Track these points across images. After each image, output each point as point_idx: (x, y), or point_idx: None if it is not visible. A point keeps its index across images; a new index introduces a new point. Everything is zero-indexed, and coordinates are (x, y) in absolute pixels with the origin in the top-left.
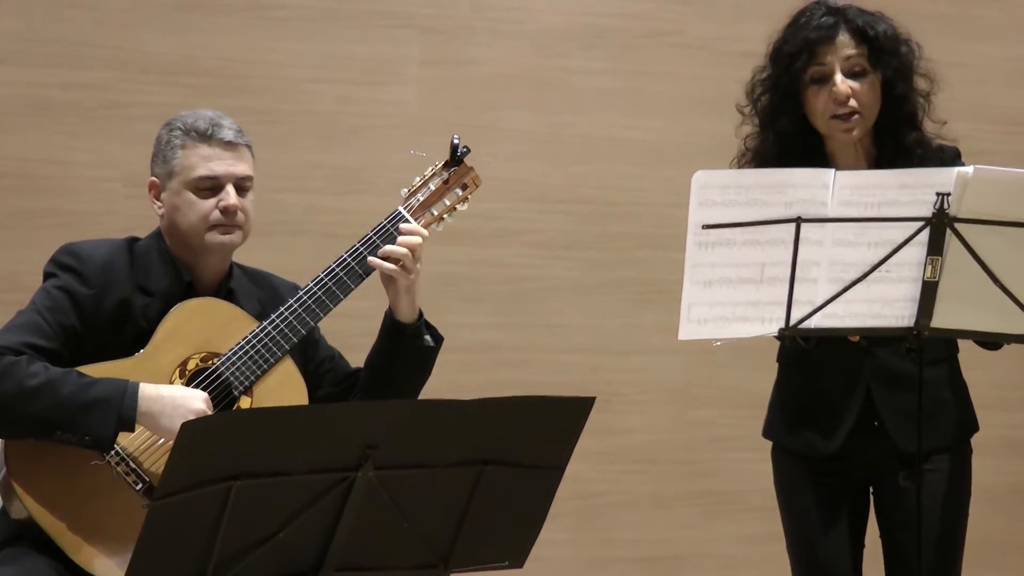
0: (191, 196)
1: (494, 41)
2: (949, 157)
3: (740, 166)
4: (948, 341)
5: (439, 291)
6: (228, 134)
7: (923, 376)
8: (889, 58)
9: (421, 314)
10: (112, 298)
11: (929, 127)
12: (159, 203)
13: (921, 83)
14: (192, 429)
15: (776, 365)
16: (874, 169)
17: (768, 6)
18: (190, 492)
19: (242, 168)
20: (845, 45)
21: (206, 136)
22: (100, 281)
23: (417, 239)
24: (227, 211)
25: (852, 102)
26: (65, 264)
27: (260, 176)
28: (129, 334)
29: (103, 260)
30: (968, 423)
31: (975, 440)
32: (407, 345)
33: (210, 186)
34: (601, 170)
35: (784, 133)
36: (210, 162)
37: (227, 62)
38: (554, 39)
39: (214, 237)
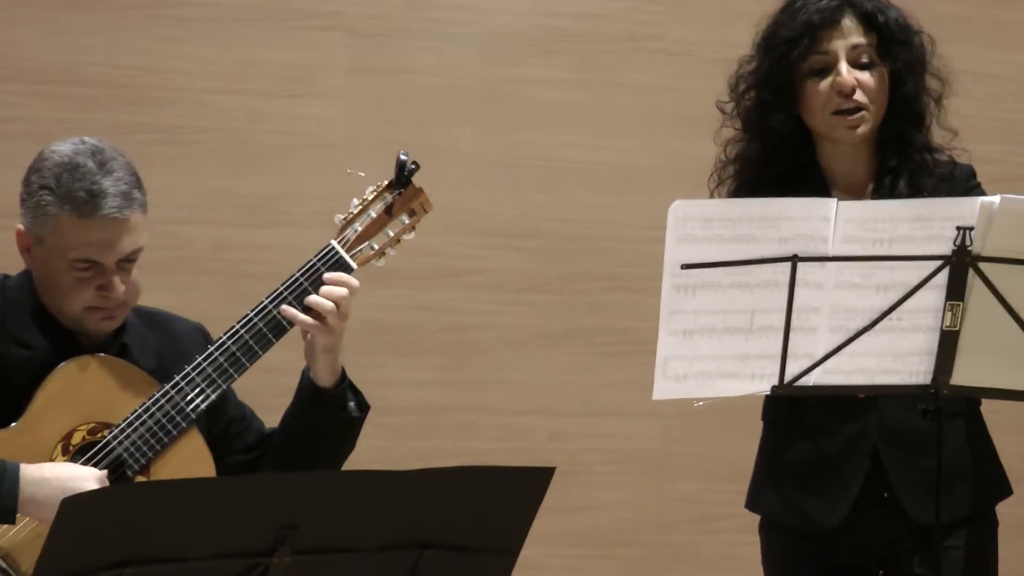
0: (66, 275)
1: (435, 46)
2: (963, 173)
3: (721, 181)
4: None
5: (369, 341)
6: (113, 207)
7: (943, 434)
8: (901, 49)
9: (344, 376)
10: None
11: (937, 136)
12: (29, 255)
13: (932, 83)
14: (73, 507)
15: (761, 424)
16: (876, 178)
17: (760, 5)
18: None
19: (129, 244)
20: (851, 31)
21: (84, 212)
22: None
23: (344, 291)
24: (109, 298)
25: (859, 95)
26: None
27: (159, 206)
28: (2, 395)
29: None
30: (994, 487)
31: (1008, 514)
32: (326, 413)
33: (88, 267)
34: (563, 199)
35: (774, 134)
36: (90, 245)
37: (117, 70)
38: (507, 44)
39: (92, 323)
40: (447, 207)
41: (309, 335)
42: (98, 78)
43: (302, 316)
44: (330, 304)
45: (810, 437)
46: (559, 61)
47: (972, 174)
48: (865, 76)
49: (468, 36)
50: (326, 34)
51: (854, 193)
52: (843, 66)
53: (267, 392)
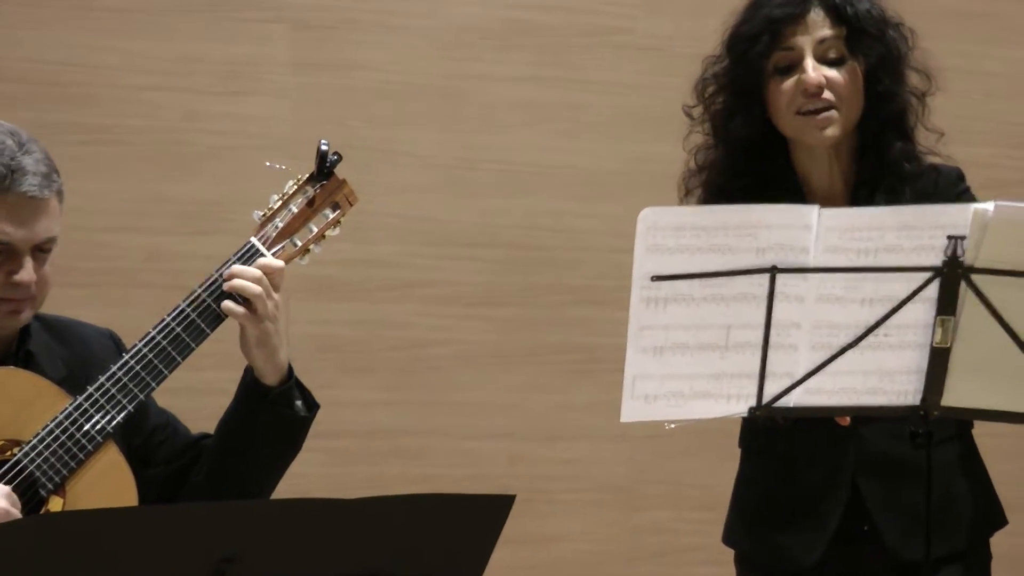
0: None
1: (386, 39)
2: (949, 180)
3: (688, 191)
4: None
5: (313, 359)
6: (32, 184)
7: (928, 461)
8: (872, 42)
9: (291, 373)
10: None
11: (923, 139)
12: None
13: (914, 79)
14: None
15: (738, 451)
16: (852, 190)
17: None
18: None
19: (45, 229)
20: (818, 25)
21: (2, 186)
22: None
23: (256, 271)
24: (19, 285)
25: (826, 94)
26: None
27: (88, 213)
28: None
29: None
30: (989, 517)
31: (1002, 545)
32: (270, 413)
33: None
34: (524, 205)
35: (739, 140)
36: (3, 223)
37: (41, 65)
38: (464, 37)
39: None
40: (399, 214)
41: (241, 330)
42: (20, 74)
43: (234, 306)
44: (254, 286)
45: (785, 467)
46: (520, 56)
47: (960, 177)
48: (833, 73)
49: (422, 29)
50: (269, 26)
51: (832, 203)
52: (808, 62)
53: (202, 416)
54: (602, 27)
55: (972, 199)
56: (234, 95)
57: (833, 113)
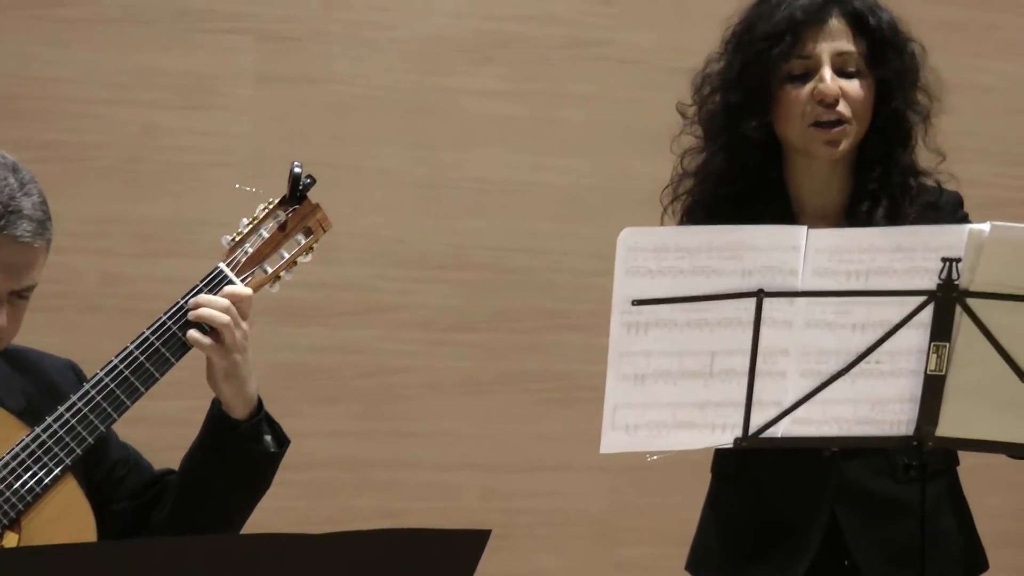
0: None
1: (355, 52)
2: (950, 205)
3: (676, 196)
4: (947, 449)
5: (278, 387)
6: (27, 231)
7: (910, 497)
8: (893, 58)
9: (261, 406)
10: None
11: (923, 158)
12: None
13: (921, 98)
14: None
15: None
16: (850, 204)
17: (722, 8)
18: None
19: (30, 277)
20: (838, 34)
21: None
22: None
23: (224, 301)
24: None
25: (842, 106)
26: None
27: None
28: None
29: None
30: (972, 560)
31: None
32: (239, 448)
33: None
34: (499, 225)
35: (744, 144)
36: None
37: None
38: (436, 50)
39: None
40: (367, 235)
41: (208, 362)
42: None
43: (200, 337)
44: (222, 316)
45: (761, 495)
46: (495, 70)
47: (959, 203)
48: (851, 85)
49: (392, 41)
50: (231, 38)
51: (824, 218)
52: (827, 72)
53: (163, 446)
54: (581, 39)
55: None
56: (195, 110)
57: (846, 128)
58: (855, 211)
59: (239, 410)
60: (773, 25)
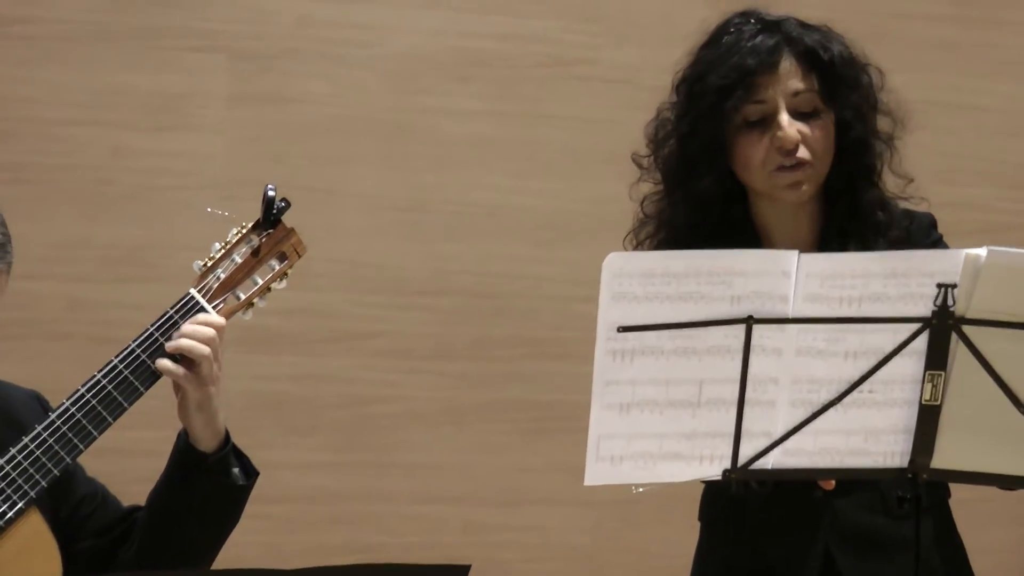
0: None
1: (330, 70)
2: (920, 227)
3: (639, 242)
4: (940, 482)
5: (250, 417)
6: None
7: (905, 533)
8: (847, 92)
9: (228, 438)
10: None
11: (891, 184)
12: None
13: (883, 124)
14: None
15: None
16: (820, 240)
17: (710, 24)
18: None
19: None
20: (790, 75)
21: None
22: None
23: (210, 331)
24: None
25: (801, 151)
26: None
27: None
28: None
29: None
30: None
31: None
32: (207, 482)
33: None
34: (478, 250)
35: (704, 195)
36: None
37: None
38: (413, 68)
39: None
40: (343, 259)
41: (180, 393)
42: None
43: (172, 366)
44: (202, 347)
45: (753, 540)
46: (474, 89)
47: (932, 225)
48: (807, 129)
49: (368, 59)
50: (202, 56)
51: None
52: (784, 118)
53: (130, 478)
54: (563, 57)
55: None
56: (164, 130)
57: (808, 171)
58: (825, 250)
59: (207, 442)
60: (723, 75)
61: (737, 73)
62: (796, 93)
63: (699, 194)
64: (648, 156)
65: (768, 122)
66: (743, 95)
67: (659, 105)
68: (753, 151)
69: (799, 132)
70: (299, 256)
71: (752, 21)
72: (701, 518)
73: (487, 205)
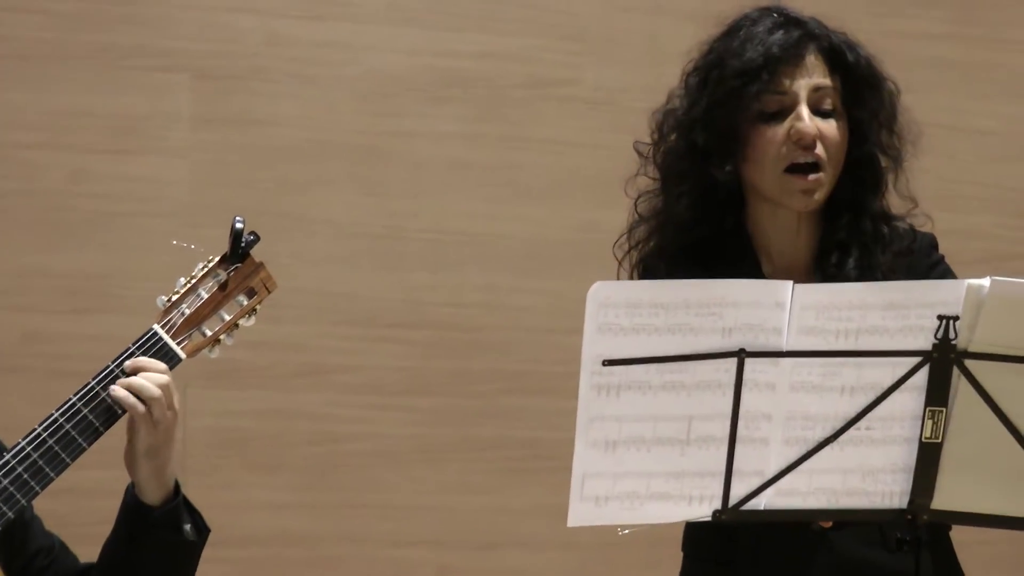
0: None
1: (300, 91)
2: (923, 247)
3: (632, 245)
4: None
5: (214, 455)
6: None
7: (905, 567)
8: (870, 96)
9: (178, 490)
10: None
11: (895, 205)
12: None
13: (895, 142)
14: None
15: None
16: (819, 253)
17: (694, 45)
18: None
19: None
20: (815, 69)
21: None
22: None
23: (165, 378)
24: None
25: (819, 149)
26: None
27: None
28: None
29: None
30: None
31: None
32: (154, 538)
33: None
34: (455, 280)
35: (711, 189)
36: None
37: None
38: (387, 89)
39: None
40: (313, 290)
41: (131, 434)
42: None
43: (129, 397)
44: (155, 389)
45: (743, 574)
46: (451, 111)
47: (933, 245)
48: (827, 126)
49: (340, 79)
50: (165, 76)
51: (792, 270)
52: (804, 110)
53: (91, 520)
54: (544, 78)
55: (946, 270)
56: (125, 154)
57: (822, 176)
58: (824, 263)
59: (153, 494)
60: (747, 61)
61: (763, 59)
62: (818, 88)
63: (704, 187)
64: (651, 145)
65: (785, 115)
66: (767, 81)
67: (669, 92)
68: (768, 144)
69: (818, 128)
70: (268, 292)
71: (775, 15)
72: (684, 549)
73: (464, 232)
